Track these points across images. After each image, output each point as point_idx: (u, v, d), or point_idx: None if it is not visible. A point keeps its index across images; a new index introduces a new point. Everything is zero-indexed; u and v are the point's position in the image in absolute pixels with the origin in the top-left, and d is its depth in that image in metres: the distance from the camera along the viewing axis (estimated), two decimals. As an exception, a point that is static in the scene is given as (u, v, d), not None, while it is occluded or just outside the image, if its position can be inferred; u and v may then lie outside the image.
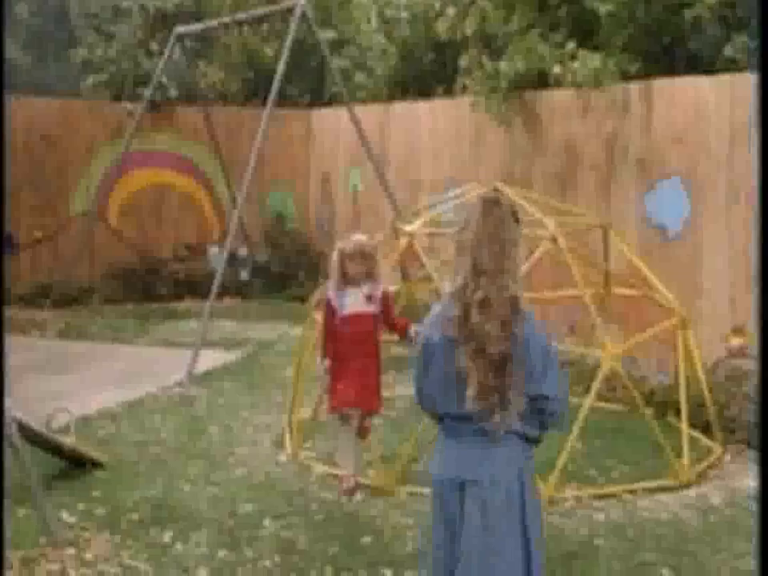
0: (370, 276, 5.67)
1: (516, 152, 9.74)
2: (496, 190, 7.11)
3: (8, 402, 4.78)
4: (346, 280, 5.64)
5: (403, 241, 6.80)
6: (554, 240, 6.35)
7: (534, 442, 3.44)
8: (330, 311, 5.72)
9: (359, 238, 5.76)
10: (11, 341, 8.94)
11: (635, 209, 8.29)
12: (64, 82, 14.10)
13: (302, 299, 11.02)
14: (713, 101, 7.51)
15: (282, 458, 6.58)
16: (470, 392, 3.28)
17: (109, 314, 12.04)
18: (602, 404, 7.76)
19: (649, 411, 6.98)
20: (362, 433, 5.88)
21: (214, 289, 9.18)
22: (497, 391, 3.29)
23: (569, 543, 5.16)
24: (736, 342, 7.27)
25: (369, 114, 12.34)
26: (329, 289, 5.73)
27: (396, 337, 5.93)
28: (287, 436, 6.85)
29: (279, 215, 14.08)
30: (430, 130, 11.38)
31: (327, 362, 5.73)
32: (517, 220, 3.41)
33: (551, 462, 5.77)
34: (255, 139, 10.26)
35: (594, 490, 5.93)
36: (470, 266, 3.30)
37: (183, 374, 8.72)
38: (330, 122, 13.63)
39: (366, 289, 5.66)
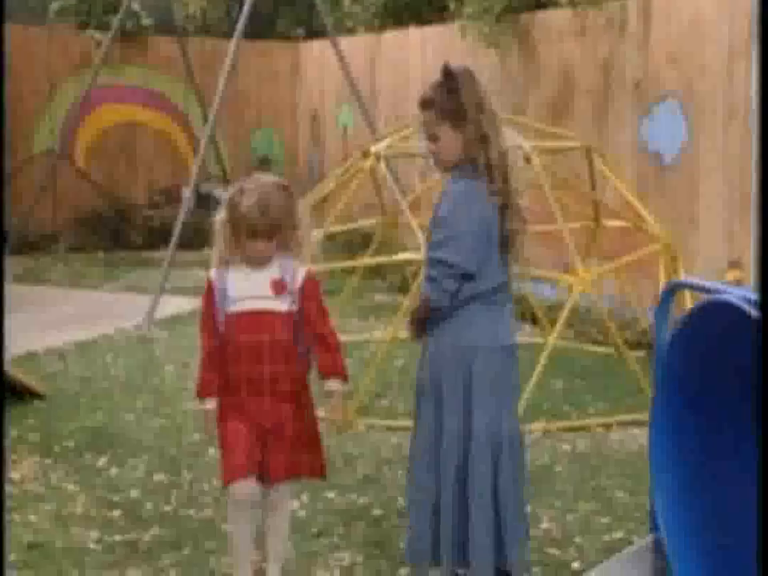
0: (284, 247, 3.78)
1: (509, 80, 9.94)
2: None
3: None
4: (242, 254, 3.76)
5: (368, 163, 7.02)
6: (527, 160, 6.58)
7: None
8: (209, 306, 3.80)
9: (264, 183, 3.79)
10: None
11: (631, 135, 8.51)
12: (26, 7, 14.31)
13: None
14: (712, 13, 7.69)
15: (238, 393, 6.86)
16: (516, 252, 3.74)
17: (73, 262, 12.34)
18: (594, 347, 8.05)
19: (641, 353, 7.28)
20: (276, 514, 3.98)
21: (179, 225, 9.43)
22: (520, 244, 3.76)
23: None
24: (732, 276, 7.49)
25: (358, 45, 12.58)
26: (211, 266, 3.86)
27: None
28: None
29: (264, 157, 14.33)
30: (421, 60, 11.60)
31: (211, 404, 3.81)
32: None
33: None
34: (232, 74, 10.37)
35: (565, 423, 6.21)
36: (497, 134, 3.67)
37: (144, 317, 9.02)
38: (319, 56, 13.85)
39: (274, 269, 3.77)
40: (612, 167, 7.47)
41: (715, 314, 2.69)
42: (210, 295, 3.79)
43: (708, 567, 2.84)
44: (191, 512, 4.82)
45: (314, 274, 3.87)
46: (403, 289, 10.01)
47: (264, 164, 14.18)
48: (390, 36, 12.31)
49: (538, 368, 6.14)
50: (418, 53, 11.66)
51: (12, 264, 11.81)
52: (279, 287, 3.74)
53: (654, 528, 2.97)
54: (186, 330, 8.77)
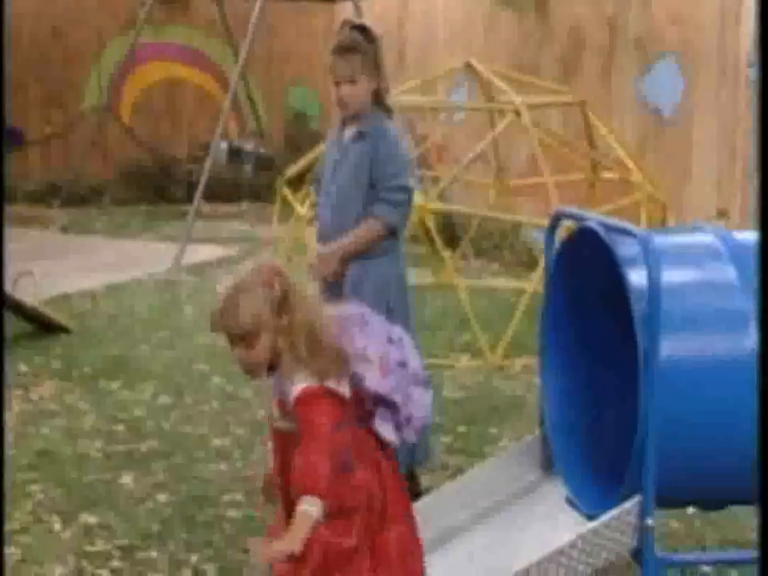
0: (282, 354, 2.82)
1: (525, 40, 10.30)
2: (469, 64, 7.77)
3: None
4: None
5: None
6: (517, 113, 6.97)
7: None
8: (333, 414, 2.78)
9: (243, 276, 2.81)
10: (10, 233, 9.99)
11: (633, 92, 8.85)
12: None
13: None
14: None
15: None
16: None
17: (118, 214, 12.93)
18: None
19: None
20: None
21: (205, 175, 9.97)
22: None
23: (499, 399, 5.91)
24: (719, 224, 7.82)
25: (390, 3, 12.96)
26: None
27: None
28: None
29: (300, 114, 14.79)
30: (444, 19, 11.97)
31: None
32: None
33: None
34: (273, 33, 10.89)
35: (544, 359, 6.63)
36: None
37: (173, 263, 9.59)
38: (354, 15, 14.22)
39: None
40: (604, 121, 7.81)
41: (584, 239, 3.12)
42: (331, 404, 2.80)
43: (585, 458, 3.29)
44: (188, 428, 5.35)
45: (310, 393, 2.76)
46: (417, 237, 10.48)
47: (299, 122, 14.64)
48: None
49: (519, 309, 6.56)
50: (444, 13, 12.03)
51: (61, 215, 12.46)
52: (283, 407, 2.86)
53: (542, 424, 3.43)
54: (212, 275, 9.32)
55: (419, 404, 2.83)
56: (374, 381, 2.80)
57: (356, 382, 2.82)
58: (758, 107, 2.18)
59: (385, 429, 2.82)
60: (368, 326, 2.87)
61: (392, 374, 2.81)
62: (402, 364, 2.83)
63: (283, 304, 2.77)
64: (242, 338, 2.78)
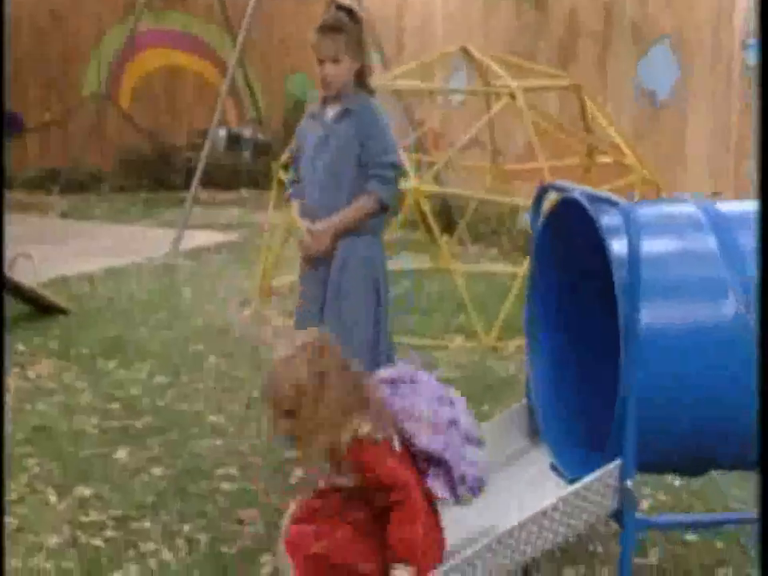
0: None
1: (524, 27, 10.34)
2: (465, 49, 7.81)
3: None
4: None
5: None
6: (512, 96, 7.02)
7: None
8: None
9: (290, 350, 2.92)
10: (9, 219, 10.06)
11: (630, 77, 8.90)
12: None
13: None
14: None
15: (246, 313, 7.45)
16: None
17: (117, 200, 12.99)
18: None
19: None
20: None
21: (203, 161, 10.02)
22: None
23: (493, 378, 5.97)
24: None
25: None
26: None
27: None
28: (256, 296, 7.71)
29: (300, 101, 14.82)
30: (443, 6, 12.01)
31: None
32: None
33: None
34: (272, 21, 10.97)
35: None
36: None
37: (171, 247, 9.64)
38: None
39: None
40: (601, 107, 7.87)
41: (568, 209, 3.17)
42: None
43: (570, 427, 3.36)
44: (183, 406, 5.41)
45: (369, 447, 2.85)
46: (414, 223, 10.53)
47: (297, 109, 14.67)
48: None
49: (512, 293, 6.63)
50: (442, 1, 12.06)
51: (60, 202, 12.53)
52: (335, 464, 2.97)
53: (528, 395, 3.50)
54: (210, 260, 9.39)
55: (473, 462, 2.88)
56: (425, 439, 2.83)
57: (406, 440, 2.84)
58: (758, 105, 2.20)
59: (438, 487, 2.87)
60: (417, 384, 2.91)
61: (443, 432, 2.85)
62: (453, 422, 2.87)
63: (326, 376, 2.83)
64: (287, 413, 2.87)
